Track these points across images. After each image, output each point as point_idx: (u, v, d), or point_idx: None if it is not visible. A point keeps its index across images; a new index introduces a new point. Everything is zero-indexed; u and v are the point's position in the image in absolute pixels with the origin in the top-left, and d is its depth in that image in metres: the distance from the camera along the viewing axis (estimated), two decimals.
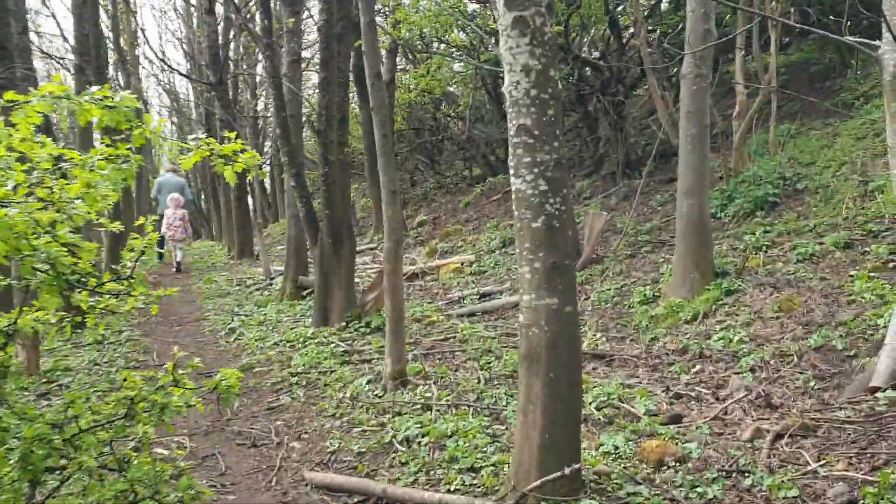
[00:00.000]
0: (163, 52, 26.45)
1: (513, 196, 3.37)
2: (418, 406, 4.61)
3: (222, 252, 17.74)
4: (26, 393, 5.27)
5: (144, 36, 16.27)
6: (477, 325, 7.01)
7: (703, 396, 4.63)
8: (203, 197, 36.88)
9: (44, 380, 5.63)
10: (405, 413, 4.50)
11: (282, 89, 7.45)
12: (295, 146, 7.90)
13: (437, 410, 4.48)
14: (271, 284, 10.73)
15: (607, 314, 6.80)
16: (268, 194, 26.74)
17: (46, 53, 15.06)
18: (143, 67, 26.40)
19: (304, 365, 5.82)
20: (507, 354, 5.70)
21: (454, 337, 6.48)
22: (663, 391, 4.73)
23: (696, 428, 4.01)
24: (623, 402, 4.43)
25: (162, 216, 14.85)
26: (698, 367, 5.20)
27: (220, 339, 7.39)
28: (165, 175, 15.77)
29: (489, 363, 5.52)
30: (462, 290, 8.89)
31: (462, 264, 10.26)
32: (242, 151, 3.10)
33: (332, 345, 6.30)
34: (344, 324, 7.01)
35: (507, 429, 4.15)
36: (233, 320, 8.02)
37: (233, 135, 3.26)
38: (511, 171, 3.36)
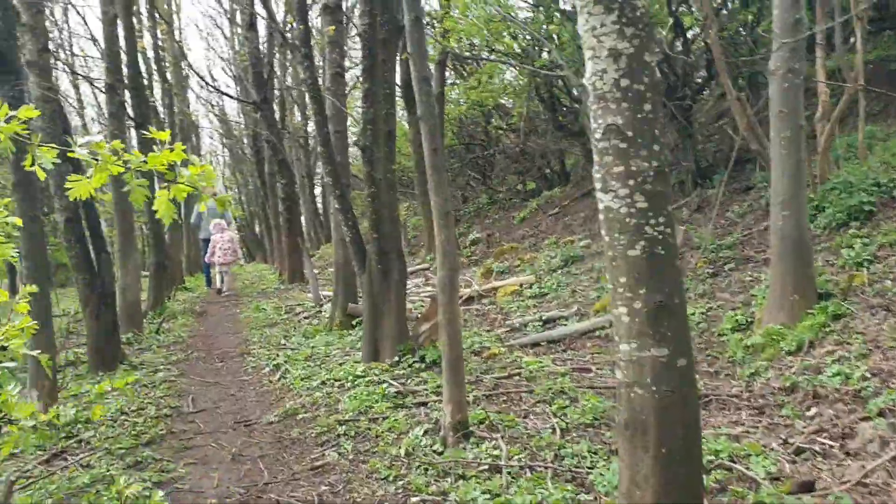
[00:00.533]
0: (210, 74, 26.36)
1: (601, 216, 2.66)
2: (485, 467, 3.89)
3: (274, 277, 17.32)
4: (41, 452, 4.72)
5: (185, 56, 16.01)
6: (543, 358, 6.26)
7: (829, 451, 3.80)
8: (256, 219, 36.92)
9: (63, 434, 5.08)
10: (470, 476, 3.78)
11: (323, 103, 6.87)
12: (339, 165, 7.30)
13: (508, 473, 3.76)
14: (321, 312, 10.15)
15: (694, 344, 5.98)
16: (320, 215, 26.37)
17: (76, 72, 14.86)
18: (191, 90, 26.41)
19: (353, 410, 5.15)
20: (583, 397, 4.95)
21: (519, 373, 5.75)
22: (780, 444, 3.91)
23: (835, 500, 3.20)
24: (735, 462, 3.63)
25: (205, 241, 14.95)
26: (814, 410, 4.37)
27: (263, 378, 6.78)
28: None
29: (563, 408, 4.77)
30: (523, 316, 8.15)
31: (521, 286, 9.52)
32: (186, 164, 2.25)
33: (384, 384, 5.62)
34: (396, 359, 6.34)
35: (596, 500, 3.40)
36: (278, 355, 7.42)
37: (164, 135, 2.25)
38: (597, 186, 2.64)
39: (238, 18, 16.60)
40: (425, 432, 4.54)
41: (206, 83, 13.71)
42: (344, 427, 4.84)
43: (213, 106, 24.46)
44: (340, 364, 6.66)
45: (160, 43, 17.44)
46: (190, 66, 14.13)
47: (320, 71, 9.22)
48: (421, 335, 6.52)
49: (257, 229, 37.76)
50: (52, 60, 8.77)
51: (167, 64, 17.72)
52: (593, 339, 6.85)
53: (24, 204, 5.14)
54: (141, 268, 11.94)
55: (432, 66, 13.42)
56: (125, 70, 11.70)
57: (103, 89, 9.43)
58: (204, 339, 9.44)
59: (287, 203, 14.45)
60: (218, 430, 5.24)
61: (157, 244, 11.92)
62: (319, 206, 28.36)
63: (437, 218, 4.42)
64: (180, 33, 21.92)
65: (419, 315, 8.69)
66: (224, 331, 10.15)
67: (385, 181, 6.47)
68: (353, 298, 8.81)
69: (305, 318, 10.06)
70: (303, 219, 22.65)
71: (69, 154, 2.13)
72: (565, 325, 7.40)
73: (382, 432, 4.67)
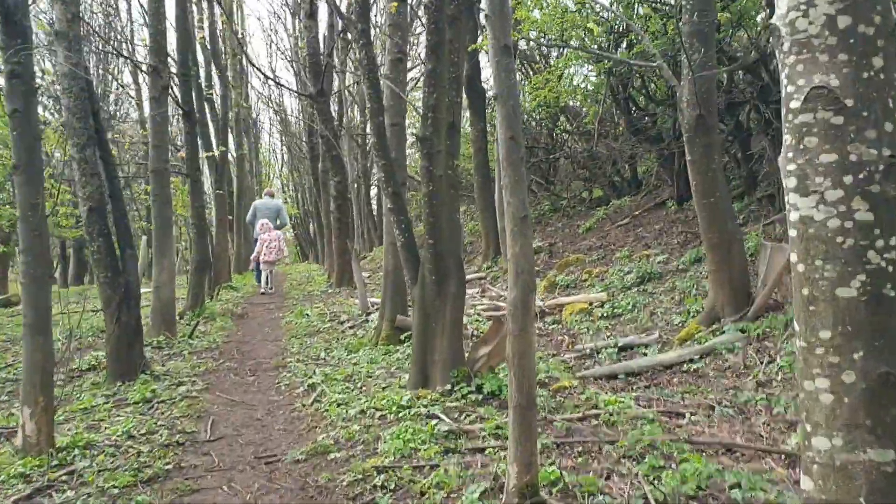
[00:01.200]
0: (272, 70, 25.97)
1: (791, 232, 1.70)
2: None
3: (322, 279, 16.59)
4: (23, 487, 3.92)
5: (243, 47, 15.39)
6: (623, 395, 5.26)
7: None
8: (310, 218, 36.53)
9: (55, 461, 4.28)
10: None
11: (379, 88, 6.00)
12: (394, 161, 6.42)
13: None
14: (367, 321, 9.30)
15: None
16: (374, 216, 25.66)
17: (118, 52, 14.34)
18: (251, 86, 25.99)
19: (394, 453, 4.24)
20: (679, 453, 3.95)
21: (596, 415, 4.77)
22: None
23: None
24: None
25: (256, 239, 15.11)
26: None
27: (296, 399, 5.93)
28: (263, 199, 16.20)
29: (657, 469, 3.78)
30: (594, 340, 7.16)
31: (590, 304, 8.51)
32: None
33: (433, 421, 4.70)
34: (448, 387, 5.41)
35: None
36: (315, 372, 6.57)
37: None
38: (788, 184, 1.68)
39: (301, 12, 15.93)
40: (483, 494, 3.60)
41: (264, 74, 13.03)
42: (382, 476, 3.93)
43: (271, 101, 23.97)
44: (384, 388, 5.78)
45: (219, 34, 16.93)
46: (247, 55, 13.44)
47: (380, 55, 8.39)
48: (478, 360, 5.58)
49: (311, 228, 37.44)
50: (84, 32, 8.11)
51: (225, 56, 17.21)
52: (680, 375, 5.82)
53: (25, 189, 4.38)
54: (183, 265, 11.38)
55: None
56: (175, 56, 11.09)
57: (146, 71, 8.75)
58: (239, 346, 8.67)
59: (339, 202, 13.69)
60: (234, 466, 4.38)
61: (199, 240, 11.26)
62: (374, 207, 27.75)
63: (512, 223, 3.48)
64: (241, 24, 21.44)
65: (476, 334, 7.76)
66: (263, 337, 9.37)
67: (445, 179, 5.57)
68: (402, 309, 7.93)
69: (350, 327, 9.22)
70: (355, 219, 22.00)
71: None
72: (646, 354, 6.37)
73: (429, 487, 3.74)
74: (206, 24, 16.13)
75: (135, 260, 6.72)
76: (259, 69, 12.91)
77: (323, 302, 11.87)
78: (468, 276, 12.18)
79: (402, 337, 7.55)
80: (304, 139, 19.85)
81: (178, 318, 10.73)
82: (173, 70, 11.09)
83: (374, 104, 5.99)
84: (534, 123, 17.96)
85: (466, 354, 5.75)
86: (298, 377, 6.60)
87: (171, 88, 12.07)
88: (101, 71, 19.05)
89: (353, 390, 5.85)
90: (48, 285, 4.50)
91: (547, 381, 5.75)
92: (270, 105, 26.72)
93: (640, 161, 15.38)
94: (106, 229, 6.44)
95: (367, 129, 24.04)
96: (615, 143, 15.33)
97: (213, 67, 16.00)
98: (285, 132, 29.51)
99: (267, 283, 14.78)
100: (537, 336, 7.85)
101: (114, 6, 19.37)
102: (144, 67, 9.18)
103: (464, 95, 12.31)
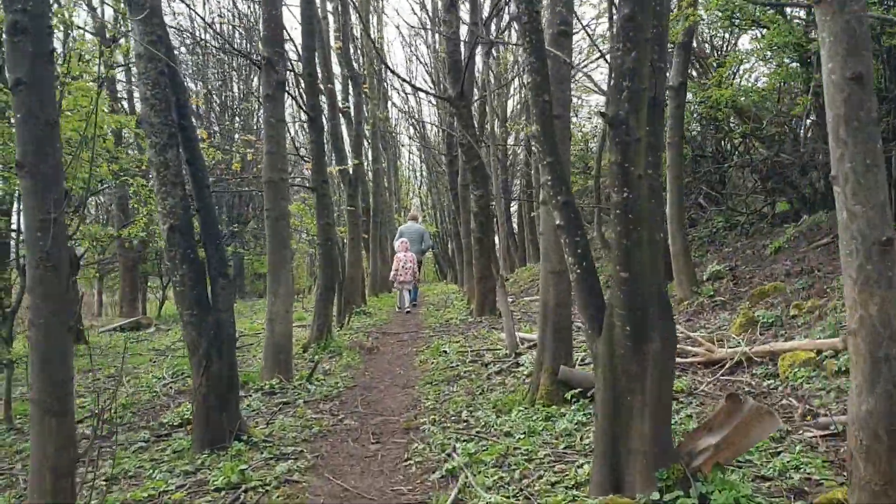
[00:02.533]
0: (411, 85, 24.98)
1: None
2: None
3: (461, 303, 15.00)
4: None
5: (380, 55, 14.17)
6: None
7: None
8: (448, 237, 35.38)
9: None
10: None
11: (543, 54, 4.26)
12: (562, 160, 4.63)
13: None
14: (518, 366, 7.55)
15: None
16: (514, 234, 23.97)
17: (229, 45, 13.32)
18: (391, 102, 25.07)
19: None
20: None
21: None
22: None
23: None
24: None
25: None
26: None
27: (429, 490, 4.24)
28: (408, 223, 16.99)
29: None
30: (838, 407, 5.07)
31: (818, 353, 6.35)
32: None
33: None
34: (656, 496, 3.56)
35: None
36: (455, 449, 4.86)
37: None
38: None
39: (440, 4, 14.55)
40: None
41: (400, 78, 11.73)
42: None
43: (410, 115, 22.89)
44: (553, 485, 3.99)
45: (354, 41, 15.87)
46: (384, 61, 12.13)
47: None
48: (699, 454, 3.69)
49: (449, 247, 36.27)
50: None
51: (362, 65, 16.10)
52: None
53: (32, 199, 2.96)
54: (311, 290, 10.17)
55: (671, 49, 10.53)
56: (301, 55, 9.90)
57: (261, 62, 7.44)
58: (365, 393, 7.13)
59: (480, 219, 12.05)
60: None
61: (325, 263, 9.92)
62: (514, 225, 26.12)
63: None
64: (378, 33, 20.41)
65: (697, 426, 5.83)
66: (392, 380, 7.81)
67: (647, 180, 3.74)
68: (566, 357, 6.11)
69: (497, 372, 7.49)
70: (496, 238, 20.42)
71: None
72: None
73: None
74: (339, 30, 15.05)
75: (230, 292, 5.28)
76: (395, 72, 11.55)
77: (462, 334, 10.22)
78: None
79: (569, 396, 5.73)
80: (442, 151, 18.44)
81: (302, 350, 9.44)
82: (296, 68, 9.88)
83: (537, 77, 4.25)
84: (698, 128, 15.73)
85: (677, 443, 3.87)
86: (433, 452, 4.91)
87: (297, 91, 10.91)
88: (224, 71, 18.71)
89: (508, 484, 4.09)
90: (67, 340, 3.05)
91: (803, 488, 3.76)
92: (409, 119, 25.69)
93: None
94: (192, 253, 5.04)
95: (509, 141, 22.44)
96: (801, 149, 12.91)
97: (342, 70, 14.83)
98: (424, 147, 28.43)
99: (405, 303, 15.07)
100: (746, 395, 5.83)
101: None
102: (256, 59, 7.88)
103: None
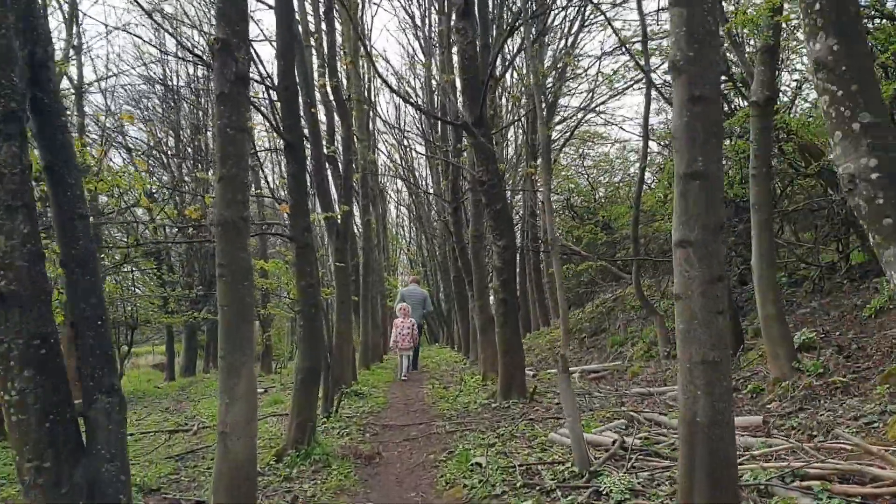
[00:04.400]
0: (398, 124, 22.75)
1: None
2: None
3: (473, 379, 12.35)
4: None
5: (369, 55, 11.84)
6: None
7: None
8: (442, 295, 32.89)
9: None
10: None
11: None
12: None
13: None
14: (599, 495, 4.95)
15: None
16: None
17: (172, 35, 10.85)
18: (378, 152, 22.80)
19: None
20: None
21: None
22: None
23: None
24: None
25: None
26: None
27: None
28: (409, 287, 16.49)
29: None
30: None
31: None
32: None
33: None
34: None
35: None
36: None
37: None
38: None
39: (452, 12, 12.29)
40: None
41: (401, 95, 9.44)
42: None
43: (401, 160, 20.56)
44: None
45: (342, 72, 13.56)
46: (380, 76, 9.75)
47: None
48: None
49: (443, 306, 33.74)
50: None
51: (350, 95, 13.77)
52: None
53: None
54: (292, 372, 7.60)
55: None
56: (277, 67, 7.55)
57: (214, 46, 4.98)
58: None
59: (504, 276, 9.54)
60: None
61: (309, 338, 7.29)
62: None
63: None
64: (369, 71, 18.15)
65: None
66: None
67: None
68: (711, 490, 3.55)
69: (569, 501, 4.88)
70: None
71: None
72: None
73: None
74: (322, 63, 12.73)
75: (120, 422, 2.68)
76: (396, 91, 9.20)
77: (493, 431, 7.58)
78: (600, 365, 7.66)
79: None
80: (445, 198, 16.03)
81: (275, 460, 6.80)
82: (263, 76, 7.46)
83: None
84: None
85: None
86: None
87: (272, 112, 8.49)
88: None
89: None
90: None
91: None
92: (399, 167, 23.39)
93: None
94: (46, 348, 2.46)
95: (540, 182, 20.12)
96: None
97: (328, 94, 12.42)
98: (415, 195, 26.08)
99: (404, 371, 14.72)
100: None
101: None
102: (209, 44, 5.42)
103: None
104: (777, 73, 9.64)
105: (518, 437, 7.16)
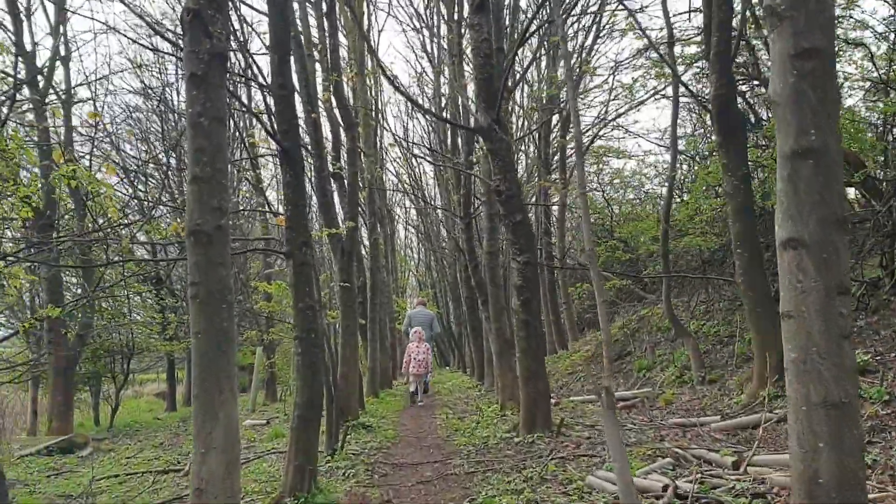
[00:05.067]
0: (406, 137, 21.94)
1: None
2: None
3: (490, 410, 11.38)
4: None
5: (377, 60, 11.06)
6: None
7: None
8: (453, 319, 31.91)
9: None
10: None
11: None
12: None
13: None
14: None
15: None
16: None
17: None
18: (385, 170, 21.98)
19: None
20: None
21: None
22: None
23: None
24: None
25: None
26: None
27: None
28: (416, 308, 16.12)
29: None
30: None
31: None
32: None
33: None
34: None
35: None
36: None
37: None
38: None
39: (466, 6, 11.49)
40: None
41: (409, 98, 8.64)
42: None
43: (409, 174, 19.78)
44: None
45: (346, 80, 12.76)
46: (388, 78, 8.91)
47: None
48: None
49: (452, 328, 32.78)
50: None
51: (357, 108, 12.96)
52: None
53: None
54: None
55: None
56: (270, 63, 6.76)
57: (184, 19, 4.15)
58: None
59: (525, 295, 8.63)
60: None
61: (307, 370, 6.39)
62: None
63: None
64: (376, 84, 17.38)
65: None
66: None
67: None
68: None
69: None
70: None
71: None
72: None
73: None
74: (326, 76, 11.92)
75: None
76: (403, 93, 8.39)
77: (519, 472, 6.64)
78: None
79: None
80: (457, 213, 15.15)
81: None
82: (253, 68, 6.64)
83: None
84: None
85: None
86: None
87: (269, 117, 7.67)
88: None
89: None
90: None
91: None
92: (407, 185, 22.60)
93: None
94: None
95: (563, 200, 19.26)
96: None
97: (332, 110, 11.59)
98: (424, 219, 25.26)
99: (418, 395, 14.38)
100: None
101: None
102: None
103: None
104: None
105: (549, 479, 6.22)
